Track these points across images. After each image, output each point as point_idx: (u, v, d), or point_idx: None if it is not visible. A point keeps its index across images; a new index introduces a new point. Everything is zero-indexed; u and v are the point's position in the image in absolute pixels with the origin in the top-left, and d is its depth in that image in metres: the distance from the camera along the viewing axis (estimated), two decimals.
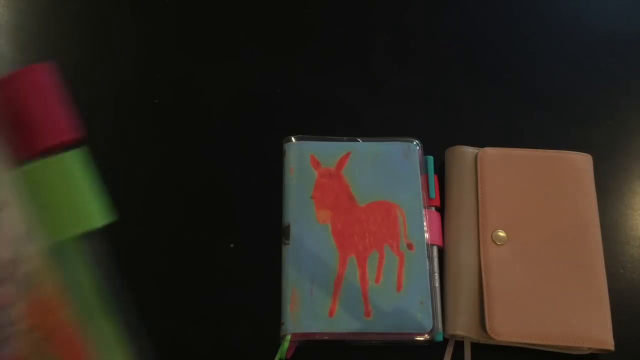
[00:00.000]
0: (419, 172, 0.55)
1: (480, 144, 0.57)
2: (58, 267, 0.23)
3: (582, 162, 0.56)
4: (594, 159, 0.57)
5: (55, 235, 0.24)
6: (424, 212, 0.54)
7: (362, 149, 0.56)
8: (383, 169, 0.55)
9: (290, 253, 0.52)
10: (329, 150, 0.56)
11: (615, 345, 0.49)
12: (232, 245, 0.50)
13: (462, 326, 0.50)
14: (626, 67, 0.65)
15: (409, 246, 0.52)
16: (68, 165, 0.24)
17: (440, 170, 0.58)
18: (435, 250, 0.53)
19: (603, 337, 0.49)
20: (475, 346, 0.50)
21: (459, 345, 0.50)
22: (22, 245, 0.22)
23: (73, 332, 0.23)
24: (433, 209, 0.55)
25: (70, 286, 0.23)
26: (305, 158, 0.55)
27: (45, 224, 0.24)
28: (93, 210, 0.25)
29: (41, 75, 0.25)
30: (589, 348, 0.49)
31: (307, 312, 0.49)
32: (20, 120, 0.24)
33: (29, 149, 0.24)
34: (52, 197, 0.24)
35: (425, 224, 0.53)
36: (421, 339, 0.49)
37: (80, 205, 0.25)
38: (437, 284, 0.52)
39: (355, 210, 0.53)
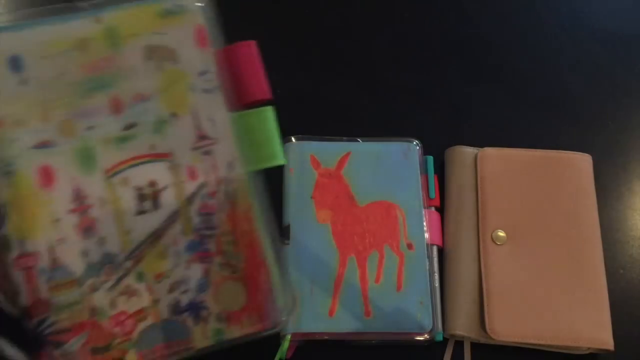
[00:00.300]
0: (418, 172, 0.55)
1: (480, 144, 0.57)
2: (250, 190, 0.33)
3: (582, 162, 0.56)
4: (594, 159, 0.57)
5: (250, 166, 0.33)
6: (423, 212, 0.54)
7: (362, 149, 0.56)
8: (383, 169, 0.55)
9: (290, 253, 0.52)
10: (329, 150, 0.56)
11: (615, 345, 0.49)
12: None
13: (462, 326, 0.50)
14: (626, 67, 0.65)
15: (409, 246, 0.52)
16: (264, 116, 0.33)
17: (440, 170, 0.58)
18: (435, 250, 0.53)
19: (603, 337, 0.49)
20: (475, 346, 0.50)
21: (458, 345, 0.50)
22: (229, 170, 0.32)
23: (254, 240, 0.32)
24: (433, 209, 0.55)
25: (255, 206, 0.33)
26: (305, 158, 0.55)
27: (245, 157, 0.32)
28: (277, 153, 0.33)
29: (250, 48, 0.34)
30: (589, 348, 0.49)
31: (307, 311, 0.49)
32: (235, 80, 0.32)
33: (240, 101, 0.32)
34: (252, 138, 0.33)
35: (425, 224, 0.53)
36: (421, 338, 0.50)
37: (269, 148, 0.33)
38: (437, 284, 0.52)
39: (355, 210, 0.53)
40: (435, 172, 0.56)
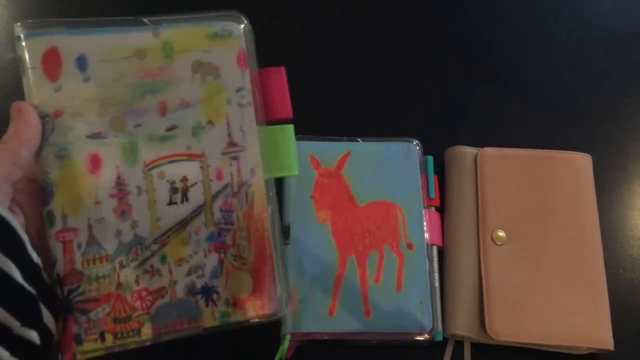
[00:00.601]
0: (418, 172, 0.55)
1: (480, 144, 0.57)
2: (266, 194, 0.37)
3: (582, 162, 0.56)
4: (594, 159, 0.57)
5: (268, 174, 0.37)
6: (423, 212, 0.54)
7: (362, 149, 0.56)
8: (383, 169, 0.55)
9: (290, 253, 0.52)
10: (329, 150, 0.56)
11: (615, 345, 0.49)
12: None
13: (462, 326, 0.50)
14: (626, 67, 0.65)
15: (409, 246, 0.52)
16: (286, 133, 0.38)
17: (440, 170, 0.58)
18: (435, 250, 0.53)
19: (603, 337, 0.49)
20: (475, 346, 0.50)
21: (458, 345, 0.50)
22: (251, 175, 0.37)
23: (264, 238, 0.37)
24: (433, 209, 0.55)
25: (268, 208, 0.37)
26: (305, 158, 0.55)
27: (265, 165, 0.37)
28: (293, 165, 0.38)
29: (280, 73, 0.39)
30: (589, 348, 0.49)
31: (307, 311, 0.49)
32: (265, 98, 0.38)
33: (266, 117, 0.38)
34: (272, 150, 0.37)
35: (425, 224, 0.53)
36: (421, 338, 0.50)
37: (287, 160, 0.38)
38: (437, 284, 0.52)
39: (355, 210, 0.53)
40: (435, 172, 0.56)
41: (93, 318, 0.34)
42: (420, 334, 0.50)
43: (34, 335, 0.32)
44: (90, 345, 0.34)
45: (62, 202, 0.34)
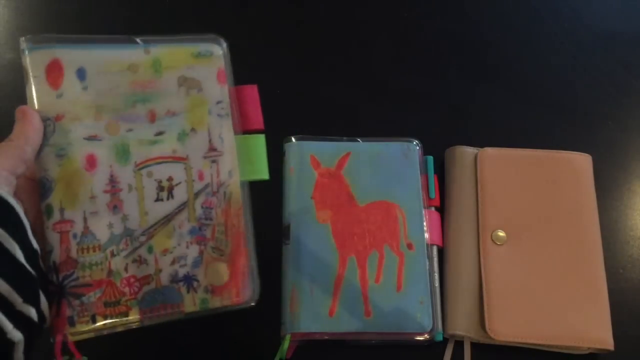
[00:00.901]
0: (418, 172, 0.55)
1: (480, 144, 0.57)
2: (241, 194, 0.42)
3: (582, 162, 0.56)
4: (594, 159, 0.57)
5: (243, 177, 0.42)
6: (423, 212, 0.54)
7: (362, 149, 0.56)
8: (383, 169, 0.55)
9: (290, 253, 0.52)
10: (329, 150, 0.56)
11: (615, 345, 0.49)
12: None
13: (462, 326, 0.50)
14: (626, 67, 0.65)
15: (409, 246, 0.52)
16: (258, 141, 0.43)
17: (440, 170, 0.58)
18: (435, 250, 0.53)
19: (603, 337, 0.49)
20: (475, 346, 0.50)
21: (458, 345, 0.50)
22: (228, 177, 0.41)
23: (239, 233, 0.41)
24: (433, 209, 0.55)
25: (243, 206, 0.42)
26: (305, 158, 0.55)
27: (240, 169, 0.42)
28: (264, 170, 0.42)
29: (253, 90, 0.44)
30: (589, 348, 0.49)
31: (307, 312, 0.49)
32: (240, 111, 0.43)
33: (242, 127, 0.43)
34: (246, 156, 0.42)
35: (425, 224, 0.53)
36: (421, 338, 0.50)
37: (258, 165, 0.42)
38: (437, 284, 0.52)
39: (355, 210, 0.53)
40: (435, 172, 0.56)
41: (85, 302, 0.38)
42: (420, 334, 0.50)
43: (32, 313, 0.34)
44: (82, 327, 0.37)
45: (60, 196, 0.38)
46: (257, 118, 0.43)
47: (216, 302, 0.40)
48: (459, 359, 0.50)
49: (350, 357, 0.50)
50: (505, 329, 0.49)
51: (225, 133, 0.41)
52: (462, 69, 0.65)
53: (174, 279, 0.40)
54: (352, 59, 0.65)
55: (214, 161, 0.41)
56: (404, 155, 0.56)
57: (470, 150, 0.57)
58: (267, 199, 0.55)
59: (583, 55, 0.66)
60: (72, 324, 0.37)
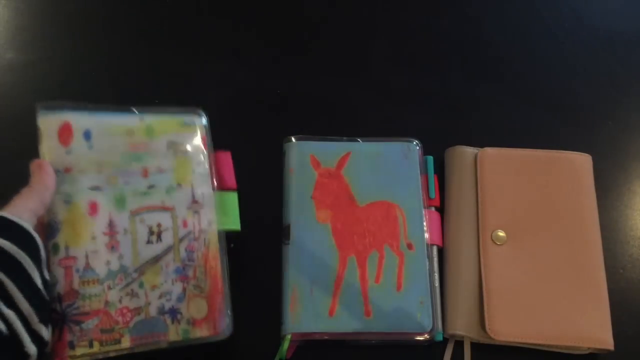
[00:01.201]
0: (418, 172, 0.55)
1: (480, 144, 0.57)
2: (218, 241, 0.47)
3: (582, 162, 0.56)
4: (594, 159, 0.57)
5: (219, 226, 0.48)
6: (423, 212, 0.54)
7: (362, 149, 0.56)
8: (383, 169, 0.55)
9: (290, 253, 0.52)
10: (329, 150, 0.56)
11: (615, 345, 0.49)
12: (232, 245, 0.50)
13: (462, 326, 0.50)
14: (626, 67, 0.65)
15: (409, 246, 0.52)
16: (231, 198, 0.49)
17: (440, 170, 0.58)
18: (435, 250, 0.53)
19: (603, 337, 0.49)
20: (475, 346, 0.50)
21: (458, 345, 0.50)
22: (208, 226, 0.47)
23: (217, 274, 0.46)
24: (433, 209, 0.55)
25: (219, 251, 0.47)
26: (305, 158, 0.55)
27: (217, 219, 0.48)
28: (236, 221, 0.49)
29: (227, 156, 0.50)
30: (589, 348, 0.49)
31: (307, 311, 0.49)
32: (217, 172, 0.49)
33: (219, 185, 0.49)
34: (222, 209, 0.48)
35: (425, 224, 0.53)
36: (421, 338, 0.50)
37: (231, 217, 0.49)
38: (437, 284, 0.52)
39: (355, 210, 0.53)
40: (435, 172, 0.56)
41: (84, 328, 0.42)
42: (420, 334, 0.50)
43: (44, 332, 0.39)
44: (81, 350, 0.42)
45: (66, 236, 0.43)
46: (230, 179, 0.50)
47: (196, 333, 0.45)
48: (459, 359, 0.50)
49: (350, 357, 0.50)
50: (505, 329, 0.49)
51: (205, 189, 0.48)
52: (462, 69, 0.65)
53: (161, 311, 0.44)
54: (352, 59, 0.65)
55: (196, 212, 0.47)
56: (404, 155, 0.56)
57: (470, 150, 0.57)
58: (267, 198, 0.56)
59: (583, 55, 0.66)
60: (72, 347, 0.42)
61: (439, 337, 0.50)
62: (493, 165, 0.55)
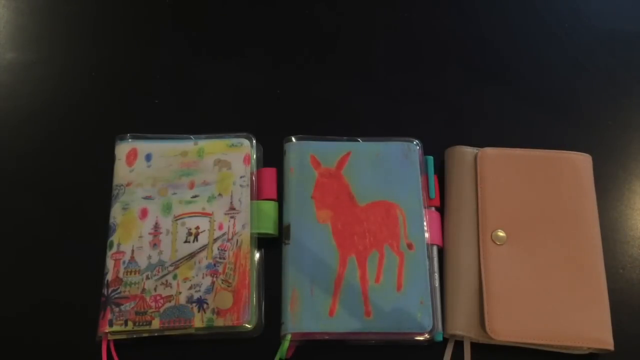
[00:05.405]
0: (419, 172, 0.55)
1: (480, 144, 0.57)
2: (250, 243, 0.53)
3: (582, 162, 0.56)
4: (594, 159, 0.57)
5: (254, 230, 0.53)
6: (424, 212, 0.54)
7: (362, 149, 0.56)
8: (383, 168, 0.55)
9: (290, 253, 0.52)
10: (329, 150, 0.56)
11: (615, 345, 0.49)
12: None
13: (462, 326, 0.50)
14: (626, 67, 0.65)
15: (409, 246, 0.52)
16: (270, 206, 0.55)
17: (440, 170, 0.58)
18: (435, 250, 0.53)
19: (603, 337, 0.49)
20: (475, 346, 0.50)
21: (458, 345, 0.50)
22: (242, 229, 0.53)
23: (245, 272, 0.51)
24: (433, 209, 0.55)
25: (251, 252, 0.52)
26: (305, 158, 0.55)
27: (254, 224, 0.53)
28: (273, 227, 0.54)
29: (272, 172, 0.57)
30: (589, 348, 0.49)
31: (307, 311, 0.49)
32: (259, 185, 0.56)
33: (259, 196, 0.55)
34: (258, 215, 0.54)
35: (425, 223, 0.53)
36: (421, 338, 0.50)
37: (267, 223, 0.54)
38: (437, 284, 0.52)
39: (355, 210, 0.53)
40: (435, 172, 0.56)
41: (123, 310, 0.50)
42: (420, 334, 0.50)
43: None
44: (117, 328, 0.49)
45: (119, 235, 0.52)
46: (270, 190, 0.55)
47: (219, 322, 0.49)
48: (459, 359, 0.50)
49: (350, 357, 0.50)
50: (505, 329, 0.49)
51: (243, 198, 0.54)
52: (462, 69, 0.64)
53: (189, 300, 0.50)
54: (352, 59, 0.65)
55: (232, 217, 0.53)
56: (404, 155, 0.56)
57: (470, 150, 0.57)
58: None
59: (583, 55, 0.66)
60: (110, 324, 0.49)
61: (439, 337, 0.50)
62: (493, 165, 0.55)
